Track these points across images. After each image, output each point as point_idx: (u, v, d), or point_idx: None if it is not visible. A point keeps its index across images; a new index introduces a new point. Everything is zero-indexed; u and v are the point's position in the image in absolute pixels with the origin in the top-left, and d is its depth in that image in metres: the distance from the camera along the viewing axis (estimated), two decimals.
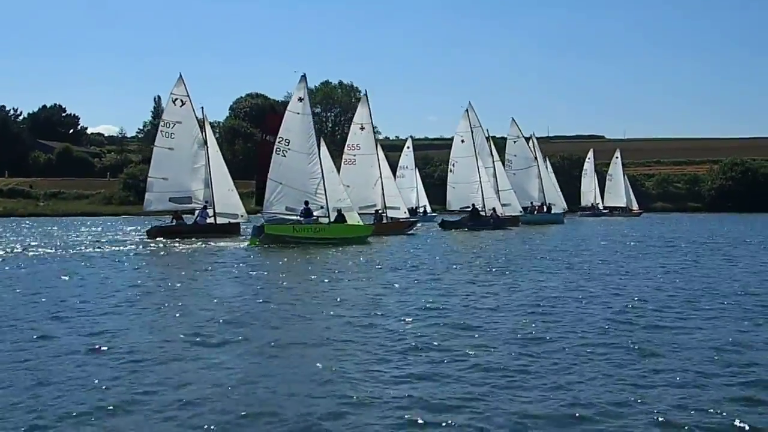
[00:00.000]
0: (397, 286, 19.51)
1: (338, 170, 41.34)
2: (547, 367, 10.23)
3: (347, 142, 47.41)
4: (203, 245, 35.14)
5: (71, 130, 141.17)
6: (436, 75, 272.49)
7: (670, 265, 25.27)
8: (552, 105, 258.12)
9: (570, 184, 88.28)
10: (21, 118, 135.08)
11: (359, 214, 39.32)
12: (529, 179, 68.18)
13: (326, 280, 20.77)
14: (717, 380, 9.55)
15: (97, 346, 11.67)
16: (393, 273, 23.04)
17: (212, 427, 7.94)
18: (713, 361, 10.60)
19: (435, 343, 11.75)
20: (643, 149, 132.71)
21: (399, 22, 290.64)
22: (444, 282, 20.39)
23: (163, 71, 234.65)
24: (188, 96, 43.57)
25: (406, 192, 58.24)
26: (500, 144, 69.99)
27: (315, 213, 35.88)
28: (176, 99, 43.41)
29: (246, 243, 35.71)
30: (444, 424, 8.01)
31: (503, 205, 55.94)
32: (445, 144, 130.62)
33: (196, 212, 43.23)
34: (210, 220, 42.69)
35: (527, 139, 71.11)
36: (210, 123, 46.92)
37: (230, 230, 42.39)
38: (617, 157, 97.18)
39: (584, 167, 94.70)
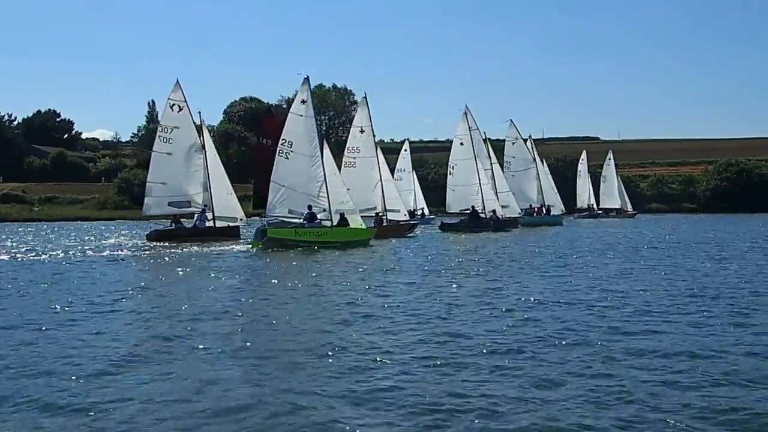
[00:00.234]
0: (405, 291, 19.41)
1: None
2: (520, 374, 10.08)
3: (347, 145, 47.37)
4: (203, 249, 35.14)
5: (66, 135, 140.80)
6: (431, 77, 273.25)
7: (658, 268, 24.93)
8: (546, 106, 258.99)
9: (564, 186, 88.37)
10: (15, 123, 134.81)
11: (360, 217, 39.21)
12: (527, 181, 68.25)
13: (319, 285, 20.63)
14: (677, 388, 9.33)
15: (77, 350, 11.70)
16: (401, 276, 22.98)
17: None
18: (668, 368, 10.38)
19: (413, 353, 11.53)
20: (638, 150, 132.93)
21: (393, 26, 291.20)
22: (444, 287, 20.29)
23: (158, 75, 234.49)
24: (185, 101, 43.58)
25: (403, 195, 58.15)
26: (496, 146, 69.91)
27: (318, 216, 35.75)
28: (174, 104, 43.40)
29: (244, 246, 35.75)
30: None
31: (502, 207, 55.92)
32: (440, 147, 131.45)
33: (195, 216, 43.15)
34: (209, 224, 42.68)
35: (525, 141, 71.15)
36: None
37: (230, 233, 42.35)
38: (610, 159, 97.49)
39: (578, 169, 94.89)
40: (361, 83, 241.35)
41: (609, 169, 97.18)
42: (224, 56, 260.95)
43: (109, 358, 11.17)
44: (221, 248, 35.28)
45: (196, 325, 13.78)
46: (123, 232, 53.77)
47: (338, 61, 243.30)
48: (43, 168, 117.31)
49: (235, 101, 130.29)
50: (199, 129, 44.38)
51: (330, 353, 11.39)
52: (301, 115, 36.66)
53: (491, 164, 58.54)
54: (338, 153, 48.12)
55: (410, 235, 46.70)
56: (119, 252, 33.82)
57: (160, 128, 43.96)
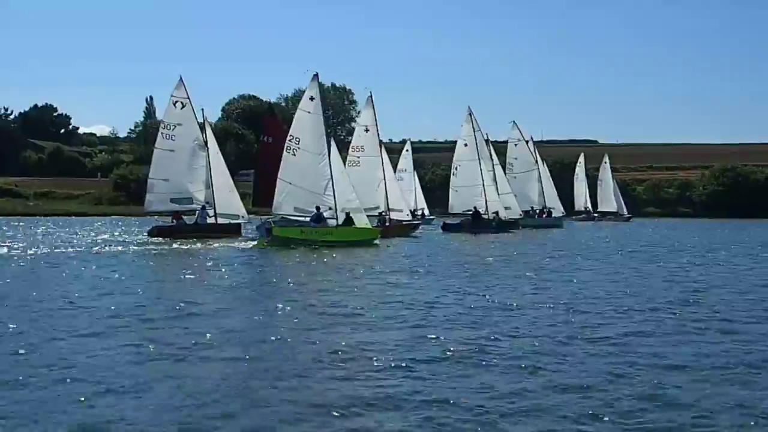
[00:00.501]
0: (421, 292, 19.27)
1: None
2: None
3: (351, 144, 47.33)
4: (204, 245, 35.15)
5: (62, 130, 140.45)
6: (429, 78, 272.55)
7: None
8: (545, 109, 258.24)
9: (561, 189, 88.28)
10: (12, 117, 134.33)
11: None
12: (529, 183, 68.26)
13: (319, 284, 20.55)
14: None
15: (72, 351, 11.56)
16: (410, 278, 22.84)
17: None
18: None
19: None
20: (636, 154, 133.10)
21: (392, 26, 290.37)
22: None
23: (157, 71, 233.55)
24: (188, 98, 43.65)
25: (404, 195, 58.02)
26: (496, 148, 69.82)
27: (324, 214, 35.62)
28: (176, 101, 43.45)
29: (244, 244, 35.82)
30: None
31: (504, 208, 55.80)
32: (437, 147, 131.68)
33: (197, 212, 43.04)
34: (210, 220, 42.62)
35: (527, 143, 71.17)
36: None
37: (231, 231, 42.33)
38: (606, 162, 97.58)
39: (576, 172, 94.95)
40: (360, 82, 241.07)
41: (605, 173, 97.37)
42: (223, 53, 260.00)
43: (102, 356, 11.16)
44: (223, 245, 35.32)
45: (198, 324, 13.69)
46: (121, 228, 53.21)
47: (336, 61, 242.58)
48: (39, 162, 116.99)
49: (234, 99, 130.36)
50: (201, 126, 44.35)
51: (320, 357, 11.33)
52: (309, 112, 36.58)
53: (493, 166, 58.47)
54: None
55: (413, 235, 46.63)
56: (117, 248, 33.58)
57: (162, 125, 43.95)
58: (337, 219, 36.06)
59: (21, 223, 61.40)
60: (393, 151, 75.80)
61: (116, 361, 10.69)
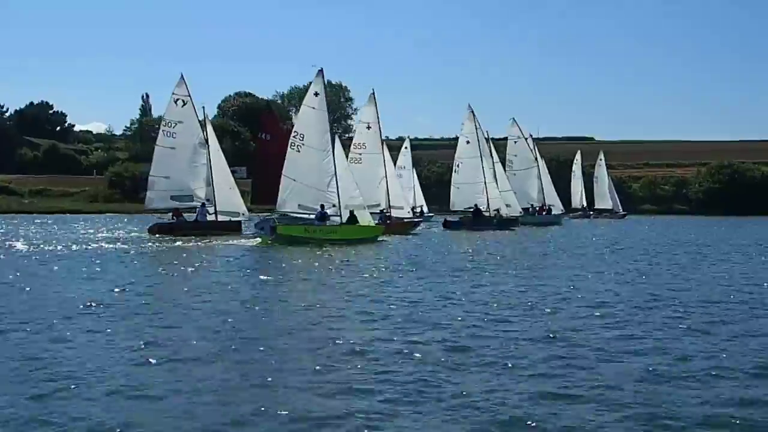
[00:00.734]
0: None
1: None
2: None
3: (353, 141, 47.21)
4: (204, 243, 35.32)
5: (58, 128, 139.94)
6: (425, 76, 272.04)
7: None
8: (542, 106, 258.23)
9: (558, 186, 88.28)
10: (7, 114, 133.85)
11: None
12: (529, 180, 68.26)
13: (322, 282, 20.54)
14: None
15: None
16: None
17: None
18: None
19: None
20: (633, 151, 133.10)
21: (387, 25, 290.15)
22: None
23: (153, 69, 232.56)
24: (189, 96, 43.74)
25: (403, 192, 57.89)
26: (495, 145, 69.78)
27: (327, 211, 35.60)
28: (178, 99, 43.56)
29: (244, 241, 35.96)
30: None
31: (505, 205, 55.78)
32: (433, 145, 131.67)
33: (197, 210, 42.99)
34: (211, 218, 42.59)
35: (526, 140, 71.15)
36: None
37: (232, 228, 42.30)
38: (601, 159, 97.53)
39: (572, 169, 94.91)
40: (356, 80, 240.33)
41: (600, 170, 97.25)
42: (219, 51, 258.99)
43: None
44: (223, 243, 35.44)
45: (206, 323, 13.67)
46: (118, 225, 52.98)
47: (333, 59, 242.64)
48: (35, 160, 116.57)
49: (230, 96, 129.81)
50: (202, 124, 44.35)
51: (321, 348, 11.40)
52: (314, 108, 36.42)
53: (493, 163, 58.41)
54: None
55: (413, 232, 46.57)
56: (118, 246, 33.52)
57: (164, 122, 43.96)
58: (340, 216, 36.01)
59: (14, 221, 61.08)
60: (390, 148, 75.66)
61: (122, 363, 10.66)
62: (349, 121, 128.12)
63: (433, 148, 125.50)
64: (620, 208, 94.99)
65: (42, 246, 32.38)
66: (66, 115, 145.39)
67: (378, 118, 47.00)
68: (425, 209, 68.49)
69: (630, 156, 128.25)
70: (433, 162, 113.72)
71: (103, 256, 28.00)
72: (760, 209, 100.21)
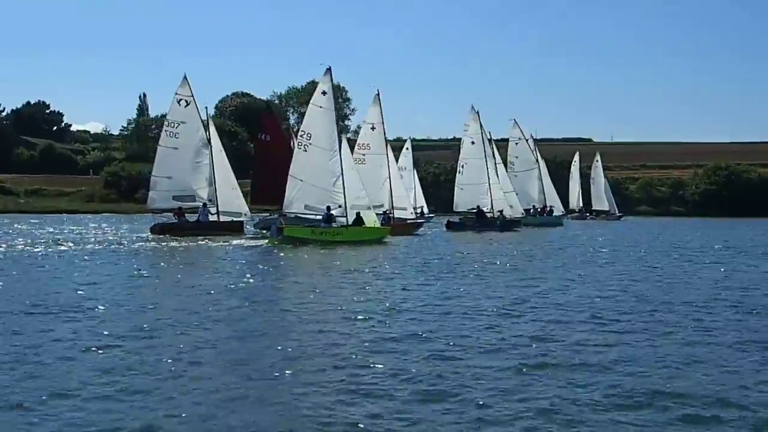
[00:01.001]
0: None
1: None
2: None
3: (357, 142, 47.07)
4: (208, 242, 35.50)
5: (55, 127, 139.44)
6: (424, 76, 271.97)
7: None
8: (540, 107, 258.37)
9: (556, 188, 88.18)
10: (4, 114, 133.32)
11: None
12: (530, 181, 68.23)
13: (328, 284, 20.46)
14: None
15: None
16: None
17: None
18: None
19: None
20: (630, 153, 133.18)
21: (385, 25, 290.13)
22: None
23: (150, 69, 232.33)
24: (192, 96, 43.73)
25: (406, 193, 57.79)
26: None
27: (333, 212, 35.57)
28: (181, 99, 43.53)
29: (246, 242, 36.05)
30: None
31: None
32: (431, 146, 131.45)
33: (199, 210, 42.92)
34: (212, 218, 42.59)
35: (527, 141, 71.12)
36: None
37: (234, 228, 42.32)
38: (597, 160, 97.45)
39: (571, 170, 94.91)
40: (355, 81, 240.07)
41: (596, 171, 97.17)
42: (217, 51, 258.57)
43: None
44: (225, 243, 35.50)
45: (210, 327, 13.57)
46: (114, 226, 52.82)
47: (330, 59, 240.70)
48: (31, 160, 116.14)
49: (227, 96, 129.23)
50: (205, 124, 44.35)
51: (324, 350, 11.43)
52: (321, 107, 36.30)
53: (495, 164, 58.30)
54: None
55: (416, 233, 46.45)
56: (120, 246, 33.54)
57: (166, 123, 43.92)
58: (347, 217, 35.94)
59: (6, 221, 60.80)
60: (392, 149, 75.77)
61: (125, 362, 10.67)
62: (346, 122, 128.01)
63: (431, 149, 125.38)
64: (616, 209, 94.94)
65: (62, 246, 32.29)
66: (63, 115, 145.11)
67: (382, 119, 46.97)
68: (425, 210, 68.42)
69: (627, 157, 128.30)
70: (430, 163, 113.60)
71: (107, 255, 27.99)
72: (757, 211, 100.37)
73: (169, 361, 10.64)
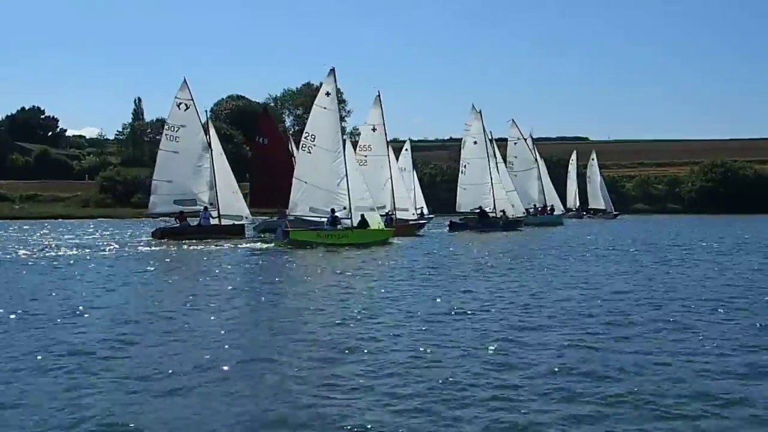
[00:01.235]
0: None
1: None
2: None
3: (359, 143, 46.95)
4: (209, 246, 35.45)
5: (50, 133, 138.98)
6: (419, 77, 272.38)
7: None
8: (536, 107, 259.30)
9: (554, 187, 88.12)
10: None
11: None
12: (529, 181, 68.20)
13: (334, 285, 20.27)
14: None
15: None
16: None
17: None
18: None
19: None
20: (627, 151, 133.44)
21: (381, 25, 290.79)
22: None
23: (147, 73, 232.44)
24: (192, 100, 43.69)
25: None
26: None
27: (338, 214, 35.55)
28: (180, 103, 43.46)
29: (248, 245, 36.08)
30: None
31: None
32: (428, 146, 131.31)
33: (200, 214, 42.85)
34: (214, 222, 42.51)
35: (525, 140, 71.11)
36: None
37: (235, 232, 42.21)
38: (593, 159, 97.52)
39: (568, 169, 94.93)
40: (350, 82, 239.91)
41: (592, 169, 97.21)
42: (212, 54, 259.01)
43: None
44: (229, 246, 35.56)
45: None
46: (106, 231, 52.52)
47: (325, 61, 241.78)
48: (26, 165, 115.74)
49: (222, 99, 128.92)
50: (205, 128, 44.25)
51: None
52: (325, 108, 36.11)
53: (496, 164, 58.23)
54: None
55: (418, 234, 46.31)
56: (123, 250, 33.45)
57: (167, 127, 43.89)
58: (351, 219, 35.86)
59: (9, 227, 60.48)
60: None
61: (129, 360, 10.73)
62: (343, 124, 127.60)
63: (428, 150, 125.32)
64: (612, 208, 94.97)
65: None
66: (58, 120, 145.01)
67: (383, 120, 46.87)
68: (425, 211, 68.18)
69: (624, 155, 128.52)
70: (426, 164, 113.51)
71: (114, 260, 27.91)
72: (754, 207, 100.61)
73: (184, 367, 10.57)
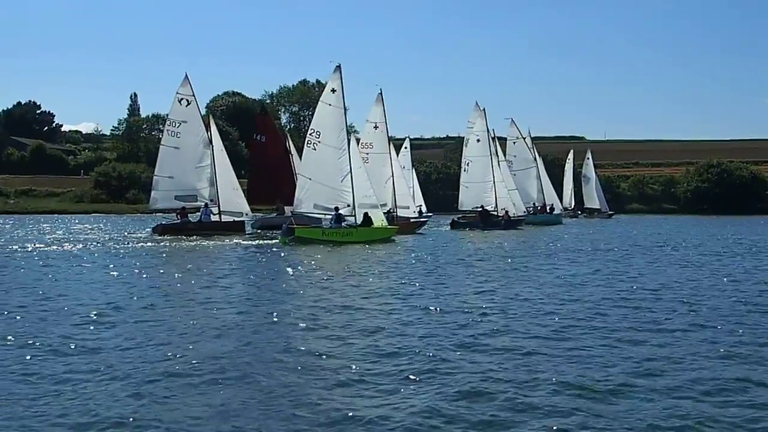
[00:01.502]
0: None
1: None
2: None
3: (360, 141, 46.81)
4: (209, 242, 35.52)
5: (46, 128, 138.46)
6: (416, 76, 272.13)
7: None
8: (533, 106, 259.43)
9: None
10: None
11: None
12: (528, 180, 68.18)
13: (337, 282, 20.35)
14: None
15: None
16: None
17: None
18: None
19: None
20: (623, 150, 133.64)
21: (379, 23, 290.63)
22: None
23: (143, 68, 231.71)
24: (194, 95, 43.67)
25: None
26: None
27: (342, 211, 35.54)
28: (182, 99, 43.47)
29: (248, 242, 36.16)
30: None
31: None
32: (424, 144, 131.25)
33: (201, 210, 42.78)
34: (215, 218, 42.47)
35: (524, 139, 71.10)
36: None
37: (235, 228, 42.26)
38: (588, 158, 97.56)
39: (565, 168, 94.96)
40: (347, 78, 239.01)
41: (588, 169, 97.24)
42: (208, 50, 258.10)
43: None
44: (230, 242, 35.60)
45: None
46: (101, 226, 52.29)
47: (323, 59, 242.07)
48: (22, 160, 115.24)
49: (218, 96, 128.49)
50: (206, 124, 44.11)
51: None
52: (330, 105, 36.00)
53: (499, 162, 58.12)
54: None
55: (419, 232, 46.28)
56: (123, 246, 33.36)
57: (168, 122, 43.84)
58: (355, 216, 35.90)
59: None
60: None
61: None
62: None
63: (423, 148, 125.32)
64: (607, 207, 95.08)
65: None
66: (54, 115, 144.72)
67: (385, 118, 46.75)
68: (424, 209, 68.09)
69: (620, 155, 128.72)
70: (421, 162, 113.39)
71: (114, 256, 27.89)
72: (749, 208, 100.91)
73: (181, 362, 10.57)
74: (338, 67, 36.43)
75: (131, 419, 7.99)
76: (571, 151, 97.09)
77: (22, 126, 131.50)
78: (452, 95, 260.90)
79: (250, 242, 36.31)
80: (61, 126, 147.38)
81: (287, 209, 47.67)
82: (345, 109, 36.23)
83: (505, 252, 32.15)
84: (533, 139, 79.84)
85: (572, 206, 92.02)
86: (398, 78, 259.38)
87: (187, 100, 43.15)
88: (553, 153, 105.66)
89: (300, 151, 54.72)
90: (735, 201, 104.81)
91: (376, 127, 46.60)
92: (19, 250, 30.49)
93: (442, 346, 11.66)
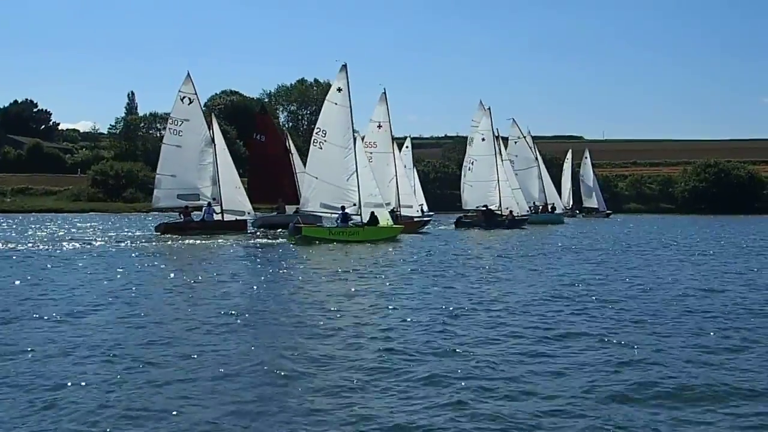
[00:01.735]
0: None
1: None
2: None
3: (364, 140, 46.60)
4: (212, 241, 35.48)
5: (43, 126, 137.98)
6: (415, 75, 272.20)
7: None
8: (531, 105, 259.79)
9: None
10: None
11: None
12: (530, 179, 68.12)
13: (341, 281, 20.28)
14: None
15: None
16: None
17: None
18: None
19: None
20: (621, 150, 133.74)
21: (377, 23, 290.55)
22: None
23: (140, 67, 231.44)
24: (196, 94, 43.54)
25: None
26: None
27: (348, 210, 35.53)
28: (184, 97, 43.33)
29: (251, 240, 36.19)
30: None
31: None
32: (423, 144, 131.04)
33: (204, 209, 42.62)
34: (217, 217, 42.33)
35: (524, 139, 71.08)
36: None
37: (238, 227, 42.19)
38: (586, 158, 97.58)
39: (563, 168, 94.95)
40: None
41: (585, 168, 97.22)
42: (206, 48, 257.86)
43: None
44: (233, 241, 35.55)
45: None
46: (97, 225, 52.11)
47: (322, 58, 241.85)
48: (18, 159, 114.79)
49: (216, 94, 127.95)
50: (208, 122, 43.93)
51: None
52: (336, 104, 35.96)
53: (503, 161, 57.96)
54: None
55: (422, 231, 46.20)
56: (127, 244, 33.42)
57: (170, 120, 43.62)
58: (360, 215, 35.85)
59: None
60: None
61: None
62: None
63: (422, 147, 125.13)
64: (605, 207, 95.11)
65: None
66: (51, 114, 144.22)
67: (389, 117, 46.69)
68: (425, 208, 67.94)
69: (619, 155, 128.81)
70: (419, 161, 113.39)
71: (117, 254, 27.84)
72: (746, 208, 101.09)
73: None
74: (344, 66, 36.39)
75: (134, 416, 7.99)
76: (570, 150, 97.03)
77: (19, 124, 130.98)
78: (451, 95, 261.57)
79: (252, 241, 36.17)
80: (59, 124, 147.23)
81: (288, 208, 47.82)
82: (351, 108, 36.14)
83: (516, 251, 32.13)
84: (532, 138, 79.82)
85: (570, 205, 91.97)
86: (397, 77, 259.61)
87: (189, 99, 43.00)
88: (551, 152, 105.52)
89: (300, 150, 55.01)
90: (733, 201, 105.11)
91: (379, 126, 46.48)
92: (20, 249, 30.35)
93: (454, 347, 11.53)
